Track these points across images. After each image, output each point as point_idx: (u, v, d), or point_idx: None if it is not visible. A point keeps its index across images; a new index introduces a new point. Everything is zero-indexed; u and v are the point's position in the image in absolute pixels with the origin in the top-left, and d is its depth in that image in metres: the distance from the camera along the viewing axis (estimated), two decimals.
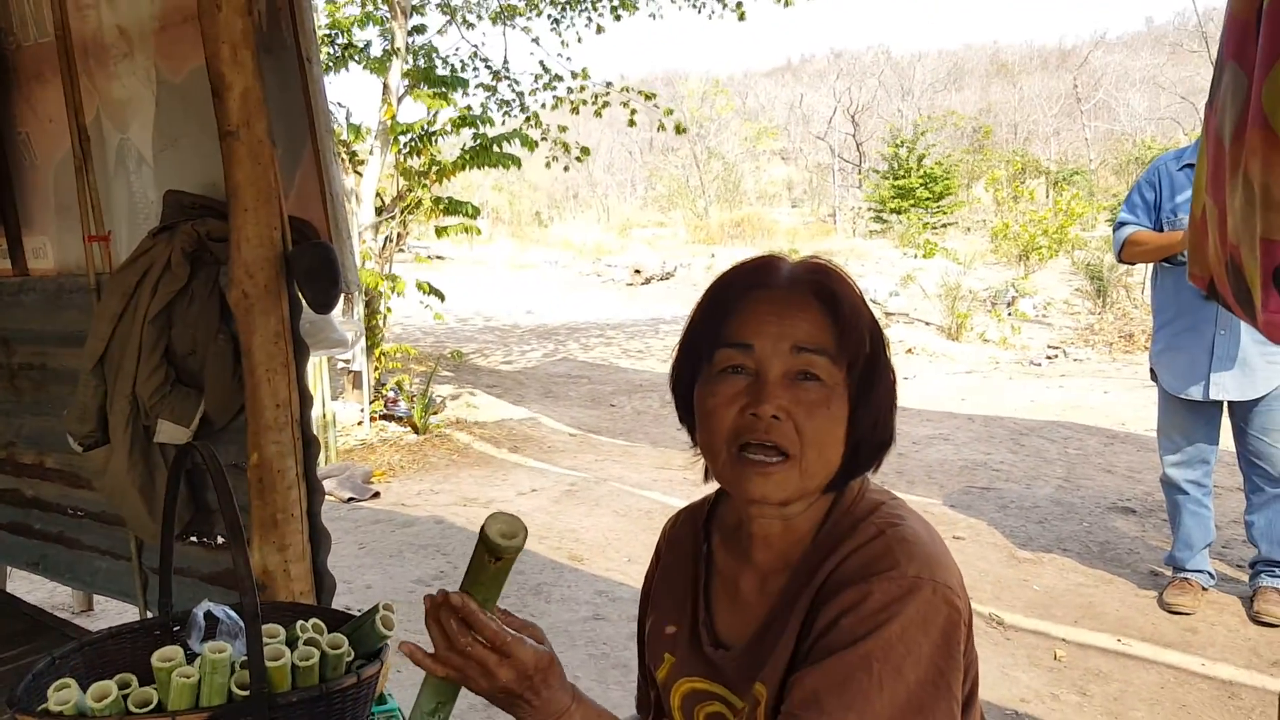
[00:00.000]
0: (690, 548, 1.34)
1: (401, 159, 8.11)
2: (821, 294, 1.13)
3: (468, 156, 7.88)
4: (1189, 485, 4.23)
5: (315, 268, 2.32)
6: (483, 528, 1.08)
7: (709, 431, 1.16)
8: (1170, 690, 3.63)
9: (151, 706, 1.50)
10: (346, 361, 7.85)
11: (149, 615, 2.69)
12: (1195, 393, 4.06)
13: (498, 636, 1.07)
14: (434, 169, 7.98)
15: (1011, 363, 11.50)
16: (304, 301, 2.34)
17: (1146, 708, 3.52)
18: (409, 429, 7.88)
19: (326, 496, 6.19)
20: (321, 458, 6.95)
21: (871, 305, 1.22)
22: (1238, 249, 0.95)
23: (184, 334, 2.40)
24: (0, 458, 3.08)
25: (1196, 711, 3.47)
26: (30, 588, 4.12)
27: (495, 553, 1.07)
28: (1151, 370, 4.34)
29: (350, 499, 6.10)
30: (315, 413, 7.01)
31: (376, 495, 6.27)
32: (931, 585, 1.07)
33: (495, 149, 7.87)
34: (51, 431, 2.84)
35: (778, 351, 1.11)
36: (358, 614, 1.82)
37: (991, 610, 4.44)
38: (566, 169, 10.54)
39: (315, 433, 2.46)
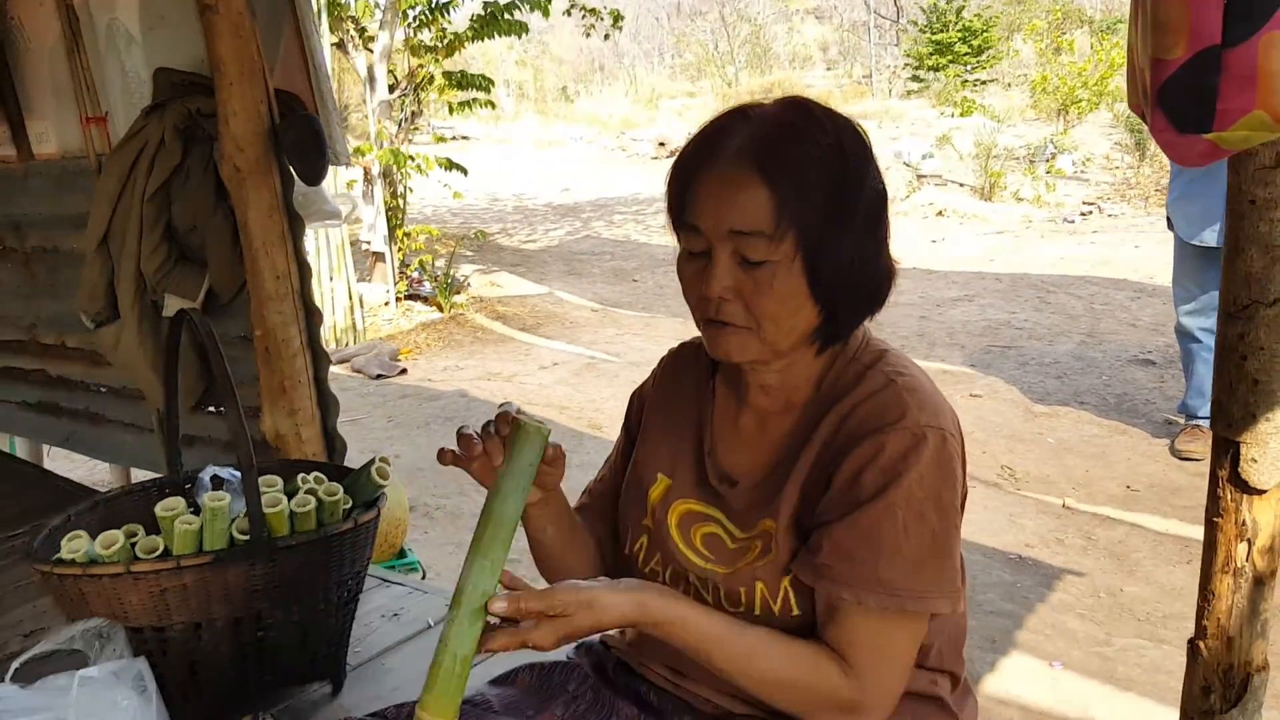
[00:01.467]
0: (695, 378, 1.37)
1: (411, 34, 7.98)
2: (765, 165, 1.09)
3: (476, 26, 7.74)
4: (1202, 333, 4.22)
5: (303, 140, 2.35)
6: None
7: (686, 304, 1.21)
8: (1175, 532, 3.70)
9: (158, 553, 1.61)
10: (369, 243, 7.92)
11: None
12: (1209, 238, 4.01)
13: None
14: (444, 42, 7.86)
15: (1044, 221, 11.32)
16: (295, 174, 2.38)
17: (1149, 549, 3.61)
18: (434, 309, 7.99)
19: (356, 374, 6.36)
20: (350, 338, 7.11)
21: (879, 156, 1.15)
22: (1144, 72, 0.96)
23: (184, 211, 2.46)
24: (24, 340, 3.21)
25: (1200, 554, 3.55)
26: (71, 466, 4.31)
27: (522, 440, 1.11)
28: (1168, 218, 4.28)
29: (379, 376, 6.25)
30: (343, 296, 7.12)
31: (404, 372, 6.41)
32: (940, 433, 1.11)
33: (506, 17, 7.71)
34: (69, 313, 2.93)
35: (719, 235, 1.10)
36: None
37: (1004, 463, 4.52)
38: (607, 37, 10.24)
39: (319, 304, 2.52)
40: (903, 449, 1.10)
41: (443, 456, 1.19)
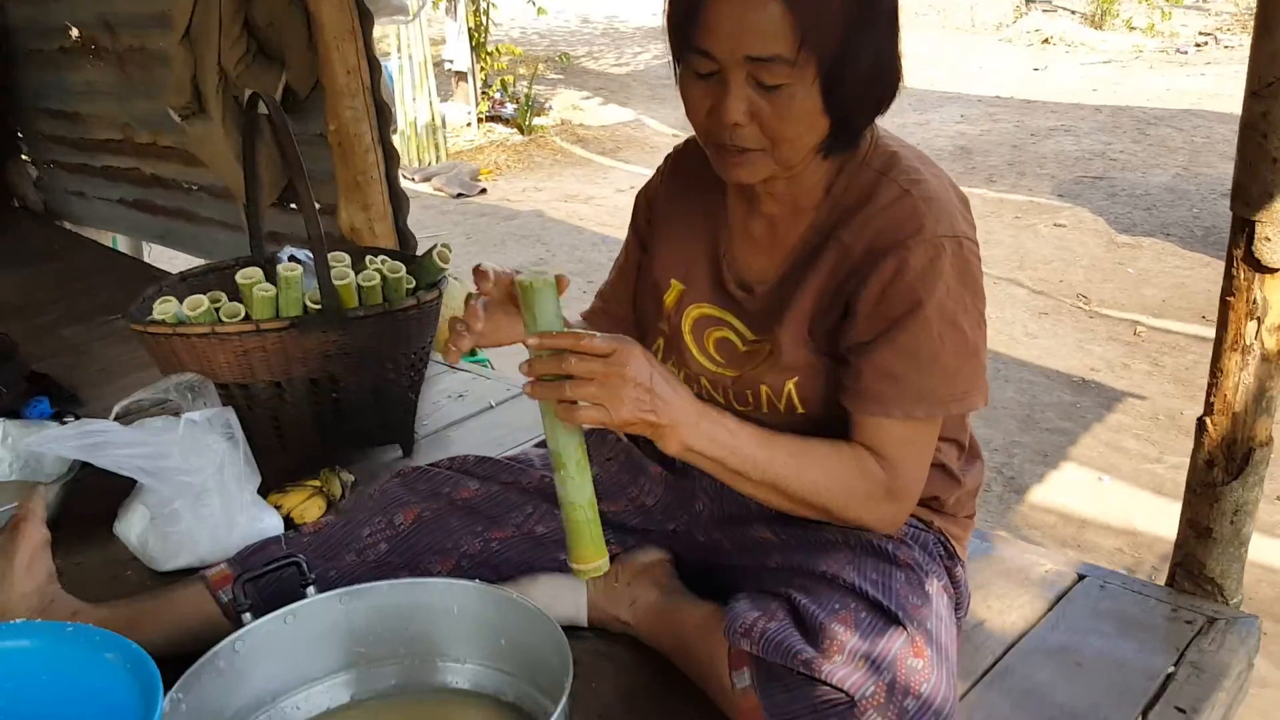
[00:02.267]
0: (704, 179, 1.29)
1: None
2: None
3: None
4: None
5: None
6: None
7: (690, 122, 1.16)
8: None
9: (239, 318, 1.76)
10: (451, 62, 7.90)
11: None
12: None
13: (578, 338, 1.03)
14: None
15: (1155, 52, 10.69)
16: None
17: None
18: (515, 130, 8.00)
19: (437, 192, 6.48)
20: (432, 156, 7.20)
21: None
22: None
23: (261, 6, 2.52)
24: (119, 139, 3.37)
25: None
26: (174, 269, 4.55)
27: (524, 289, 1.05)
28: None
29: (459, 195, 6.37)
30: (425, 114, 7.18)
31: (483, 191, 6.51)
32: (956, 240, 1.11)
33: None
34: (162, 112, 3.05)
35: (735, 60, 1.04)
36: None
37: (1080, 291, 4.48)
38: None
39: (387, 101, 2.57)
40: (925, 262, 1.10)
41: (450, 355, 1.15)
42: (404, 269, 1.87)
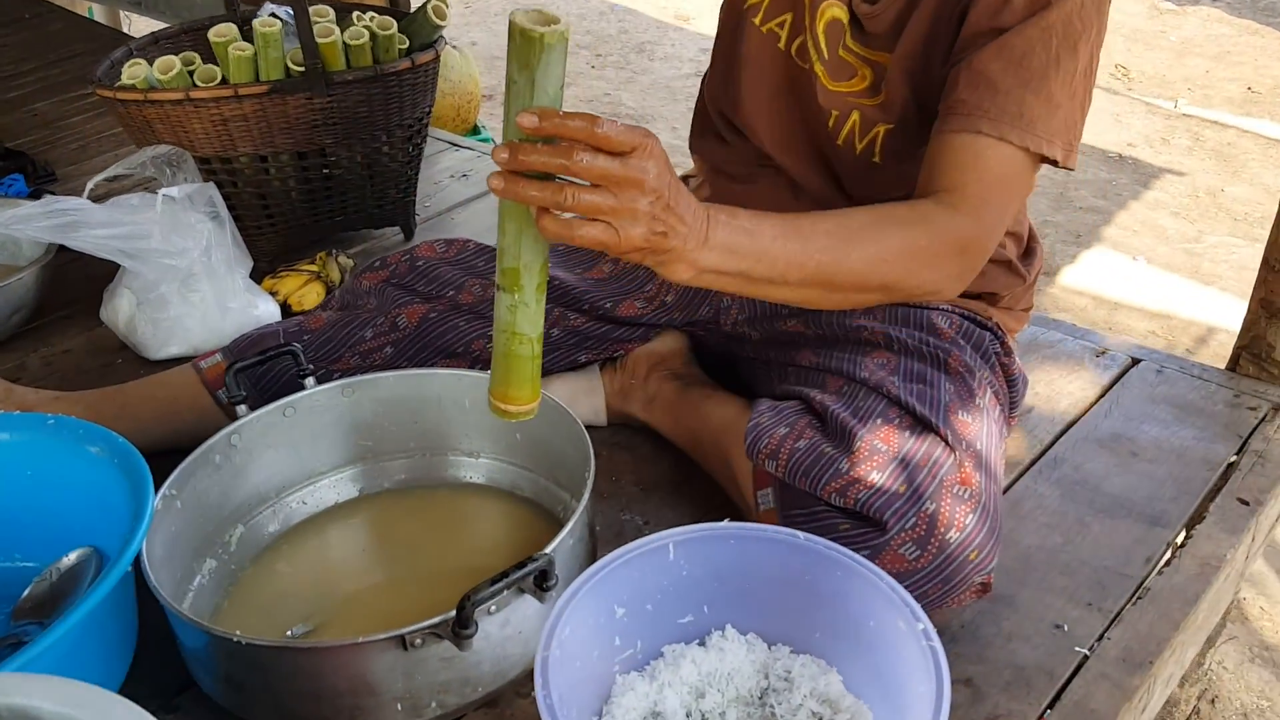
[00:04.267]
0: None
1: None
2: None
3: None
4: None
5: None
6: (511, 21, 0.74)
7: None
8: None
9: (215, 82, 1.59)
10: None
11: None
12: None
13: (586, 124, 0.75)
14: None
15: None
16: None
17: (1260, 152, 3.39)
18: None
19: None
20: None
21: None
22: None
23: None
24: None
25: None
26: None
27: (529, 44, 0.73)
28: None
29: None
30: None
31: None
32: None
33: None
34: None
35: None
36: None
37: (1119, 62, 4.20)
38: None
39: None
40: None
41: None
42: (394, 26, 1.67)
